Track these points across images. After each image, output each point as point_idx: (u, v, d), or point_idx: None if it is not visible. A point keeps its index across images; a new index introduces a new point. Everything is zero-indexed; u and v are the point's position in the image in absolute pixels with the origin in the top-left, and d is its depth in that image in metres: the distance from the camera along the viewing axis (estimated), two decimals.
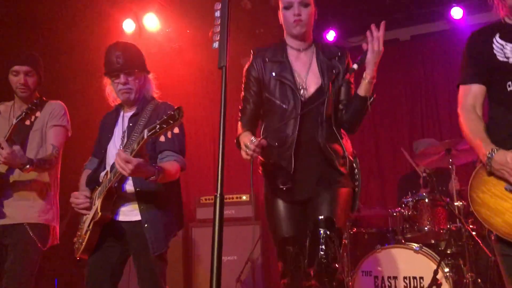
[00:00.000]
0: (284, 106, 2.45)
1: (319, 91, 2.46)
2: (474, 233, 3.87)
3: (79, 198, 2.64)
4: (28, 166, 2.80)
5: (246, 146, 2.29)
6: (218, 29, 1.75)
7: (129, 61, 2.63)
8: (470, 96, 2.21)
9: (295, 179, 2.45)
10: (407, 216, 4.17)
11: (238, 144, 2.49)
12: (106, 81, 2.75)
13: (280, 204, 2.50)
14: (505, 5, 2.16)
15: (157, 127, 2.20)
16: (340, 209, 2.41)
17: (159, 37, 6.27)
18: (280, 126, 2.43)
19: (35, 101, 2.85)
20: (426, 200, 4.10)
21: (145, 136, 2.24)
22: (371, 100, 2.43)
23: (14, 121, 2.80)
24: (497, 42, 2.16)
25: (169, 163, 2.55)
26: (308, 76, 2.49)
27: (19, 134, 2.99)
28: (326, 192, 2.43)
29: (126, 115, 2.76)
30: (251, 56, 2.62)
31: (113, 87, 2.73)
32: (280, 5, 2.53)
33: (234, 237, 5.31)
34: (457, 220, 3.93)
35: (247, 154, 2.30)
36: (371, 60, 2.36)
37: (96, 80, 5.81)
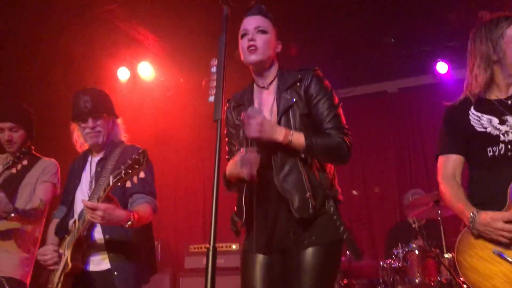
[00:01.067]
0: (236, 147, 2.27)
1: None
2: (465, 286, 3.85)
3: (46, 254, 2.54)
4: (12, 215, 2.74)
5: (241, 160, 2.05)
6: (214, 83, 1.81)
7: (97, 105, 2.63)
8: (450, 165, 2.29)
9: (258, 229, 2.13)
10: (398, 268, 4.16)
11: (227, 182, 2.27)
12: (74, 126, 2.74)
13: (254, 257, 2.17)
14: (478, 83, 2.29)
15: (122, 173, 2.15)
16: (326, 284, 2.10)
17: (153, 85, 6.38)
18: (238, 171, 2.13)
19: (23, 149, 2.86)
20: (416, 252, 4.11)
21: (111, 183, 2.19)
22: (305, 151, 2.10)
23: (1, 169, 2.81)
24: (473, 114, 2.28)
25: (141, 206, 2.50)
26: (272, 115, 2.21)
27: (9, 185, 2.97)
28: (304, 255, 2.07)
29: (94, 160, 2.73)
30: (226, 104, 2.44)
31: (80, 132, 2.71)
32: (239, 38, 2.32)
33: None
34: (448, 272, 3.92)
35: (246, 166, 2.04)
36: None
37: None
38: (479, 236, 2.09)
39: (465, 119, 2.29)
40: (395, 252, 4.23)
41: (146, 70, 6.21)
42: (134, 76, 6.27)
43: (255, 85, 2.35)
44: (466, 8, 4.78)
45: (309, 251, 2.07)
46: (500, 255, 2.02)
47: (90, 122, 2.63)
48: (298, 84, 2.21)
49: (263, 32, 2.24)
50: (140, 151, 2.18)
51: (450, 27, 5.22)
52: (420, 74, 6.12)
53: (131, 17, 5.30)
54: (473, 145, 2.26)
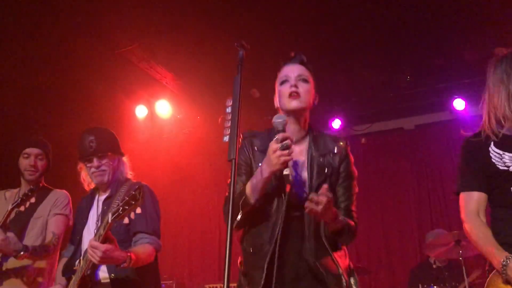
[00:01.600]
0: (267, 206, 2.05)
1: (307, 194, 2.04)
2: None
3: None
4: (22, 253, 2.73)
5: (275, 149, 1.91)
6: (229, 123, 1.81)
7: (101, 145, 2.66)
8: (473, 202, 2.22)
9: None
10: None
11: (244, 202, 2.02)
12: (81, 166, 2.77)
13: None
14: (492, 120, 2.26)
15: (120, 210, 2.16)
16: None
17: (170, 123, 6.46)
18: (259, 230, 2.03)
19: (31, 187, 2.86)
20: None
21: (109, 220, 2.19)
22: (335, 234, 2.04)
23: (10, 207, 2.79)
24: (494, 151, 2.22)
25: (142, 246, 2.50)
26: (297, 175, 2.10)
27: (18, 221, 2.98)
28: None
29: (100, 199, 2.75)
30: (241, 139, 2.27)
31: (87, 171, 2.73)
32: (276, 85, 2.27)
33: None
34: None
35: (284, 154, 1.90)
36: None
37: None
38: (509, 281, 2.02)
39: (485, 156, 2.22)
40: None
41: (164, 108, 6.30)
42: (152, 113, 6.37)
43: None
44: (482, 45, 4.79)
45: None
46: None
47: (95, 162, 2.66)
48: (332, 155, 2.16)
49: (305, 81, 2.20)
50: (137, 187, 2.18)
51: (467, 64, 5.21)
52: (437, 110, 6.09)
53: (150, 56, 5.42)
54: (496, 183, 2.20)
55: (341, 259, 2.06)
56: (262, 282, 1.94)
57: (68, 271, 2.63)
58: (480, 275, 4.41)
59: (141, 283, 2.53)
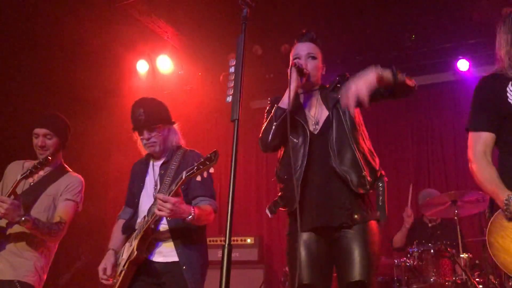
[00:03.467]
0: (295, 140, 2.50)
1: (327, 121, 2.52)
2: (480, 286, 3.83)
3: (102, 277, 2.71)
4: (23, 219, 2.75)
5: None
6: (232, 84, 1.82)
7: (151, 116, 2.79)
8: (481, 143, 2.25)
9: (310, 207, 2.40)
10: (412, 266, 4.14)
11: (279, 112, 2.50)
12: (135, 135, 2.91)
13: (302, 238, 2.40)
14: (507, 60, 2.26)
15: (194, 168, 2.38)
16: (373, 271, 2.31)
17: (171, 79, 6.42)
18: (291, 159, 2.41)
19: (40, 159, 2.87)
20: (432, 251, 4.08)
21: (183, 177, 2.42)
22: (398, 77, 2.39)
23: (18, 177, 2.82)
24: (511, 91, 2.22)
25: (204, 206, 2.69)
26: (317, 111, 2.58)
27: (31, 193, 3.01)
28: (355, 240, 2.33)
29: (156, 164, 2.90)
30: (269, 102, 2.74)
31: (139, 141, 2.89)
32: (291, 58, 2.64)
33: (238, 281, 5.25)
34: (463, 273, 3.90)
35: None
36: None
37: (112, 117, 5.98)
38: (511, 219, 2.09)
39: (502, 95, 2.22)
40: (410, 250, 4.21)
41: (165, 64, 6.26)
42: (153, 69, 6.33)
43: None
44: (489, 5, 4.70)
45: (356, 232, 2.35)
46: None
47: (146, 134, 2.81)
48: (339, 85, 2.56)
49: (314, 58, 2.60)
50: (213, 151, 2.40)
51: (472, 24, 5.14)
52: (440, 71, 6.02)
53: (151, 10, 5.34)
54: (507, 124, 2.22)
55: (367, 165, 2.43)
56: (298, 199, 2.34)
57: (128, 230, 2.84)
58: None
59: (196, 235, 2.74)
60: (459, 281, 3.90)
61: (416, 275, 4.12)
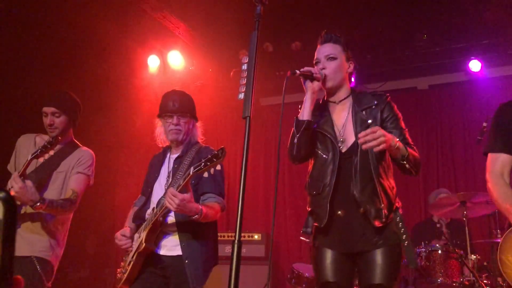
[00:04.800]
0: (324, 156, 2.46)
1: (354, 144, 2.41)
2: None
3: (122, 239, 2.81)
4: (38, 204, 2.77)
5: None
6: (244, 81, 1.83)
7: (183, 105, 2.91)
8: (498, 163, 2.33)
9: (336, 229, 2.41)
10: (420, 267, 4.13)
11: (299, 124, 2.45)
12: (158, 122, 2.99)
13: (328, 251, 2.44)
14: None
15: (202, 165, 2.41)
16: (393, 278, 2.36)
17: (182, 74, 6.45)
18: (320, 175, 2.43)
19: (51, 139, 2.87)
20: (440, 252, 4.07)
21: (191, 173, 2.45)
22: (405, 158, 2.30)
23: (29, 157, 2.83)
24: None
25: (211, 204, 2.73)
26: (345, 129, 2.48)
27: (41, 172, 3.04)
28: (378, 254, 2.35)
29: (172, 157, 2.97)
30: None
31: (164, 127, 2.95)
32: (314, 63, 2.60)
33: (245, 277, 5.26)
34: (471, 274, 3.88)
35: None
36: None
37: (122, 111, 6.01)
38: None
39: None
40: (418, 250, 4.19)
41: (176, 59, 6.27)
42: (164, 64, 6.35)
43: (328, 101, 2.61)
44: (502, 6, 4.67)
45: (378, 251, 2.35)
46: None
47: (175, 119, 2.88)
48: (374, 107, 2.46)
49: (333, 59, 2.51)
50: (220, 148, 2.45)
51: (485, 25, 5.10)
52: (452, 71, 5.99)
53: (163, 6, 5.36)
54: None
55: (386, 197, 2.37)
56: (327, 217, 2.37)
57: (138, 219, 2.89)
58: None
59: (203, 231, 2.76)
60: (466, 283, 3.89)
61: (423, 275, 4.11)
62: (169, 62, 6.30)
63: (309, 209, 2.52)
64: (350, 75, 2.61)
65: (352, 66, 2.60)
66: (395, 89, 6.16)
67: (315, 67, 2.52)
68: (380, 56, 5.76)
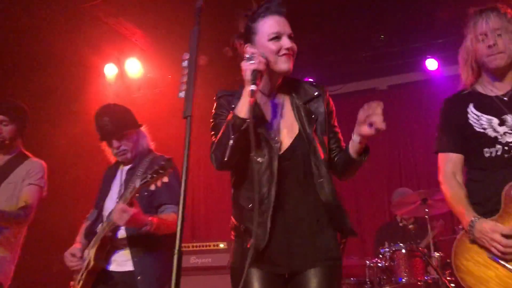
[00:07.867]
0: (259, 160, 1.98)
1: (298, 141, 2.04)
2: (453, 285, 3.81)
3: (72, 261, 2.68)
4: None
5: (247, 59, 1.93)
6: (186, 78, 1.74)
7: (117, 124, 2.70)
8: (450, 164, 2.30)
9: (272, 249, 1.96)
10: (384, 267, 4.11)
11: (238, 120, 1.92)
12: (103, 144, 2.84)
13: (254, 278, 1.97)
14: (474, 74, 2.27)
15: (148, 177, 2.31)
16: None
17: (141, 82, 6.30)
18: (253, 185, 1.91)
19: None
20: (403, 251, 4.05)
21: (137, 186, 2.35)
22: (364, 159, 2.12)
23: None
24: (472, 112, 2.27)
25: (167, 215, 2.62)
26: (281, 125, 2.06)
27: None
28: (317, 275, 1.99)
29: (124, 169, 2.85)
30: (215, 100, 2.18)
31: (110, 150, 2.83)
32: (262, 37, 2.07)
33: (213, 287, 5.14)
34: (435, 271, 3.88)
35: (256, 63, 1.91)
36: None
37: (79, 121, 5.83)
38: (475, 241, 2.13)
39: (463, 116, 2.28)
40: (382, 251, 4.17)
41: (134, 67, 6.13)
42: (122, 72, 6.20)
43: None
44: (456, 5, 4.73)
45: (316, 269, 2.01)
46: (495, 260, 2.06)
47: (115, 143, 2.73)
48: (315, 100, 2.13)
49: (292, 38, 2.09)
50: (167, 158, 2.36)
51: (440, 24, 5.17)
52: (409, 71, 6.07)
53: (117, 12, 5.22)
54: (471, 144, 2.26)
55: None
56: (267, 238, 1.94)
57: (90, 235, 2.75)
58: (442, 225, 4.53)
59: (156, 244, 2.61)
60: (430, 281, 3.88)
61: (388, 275, 4.08)
62: (126, 70, 6.15)
63: (241, 225, 2.02)
64: None
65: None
66: (355, 91, 6.20)
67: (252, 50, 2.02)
68: (338, 58, 5.77)
